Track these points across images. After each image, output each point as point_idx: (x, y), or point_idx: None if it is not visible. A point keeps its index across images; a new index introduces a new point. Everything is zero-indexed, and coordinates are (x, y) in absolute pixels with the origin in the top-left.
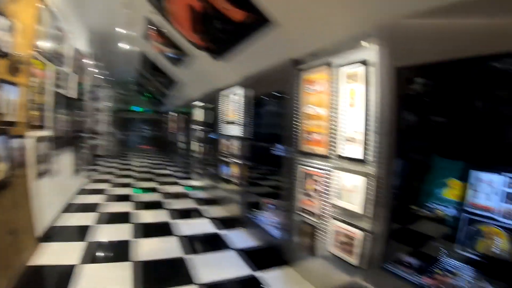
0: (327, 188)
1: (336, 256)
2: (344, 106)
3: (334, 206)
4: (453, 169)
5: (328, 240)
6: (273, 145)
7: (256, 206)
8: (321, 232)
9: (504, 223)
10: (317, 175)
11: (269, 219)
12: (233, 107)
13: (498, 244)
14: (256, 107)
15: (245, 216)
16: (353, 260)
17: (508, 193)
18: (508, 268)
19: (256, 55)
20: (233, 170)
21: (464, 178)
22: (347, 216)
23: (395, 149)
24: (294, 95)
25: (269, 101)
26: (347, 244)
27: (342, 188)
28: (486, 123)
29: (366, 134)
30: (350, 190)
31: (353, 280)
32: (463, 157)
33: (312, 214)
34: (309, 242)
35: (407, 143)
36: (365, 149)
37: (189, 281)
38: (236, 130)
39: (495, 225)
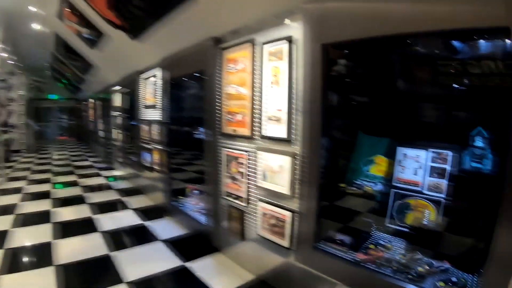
0: (253, 170)
1: (267, 239)
2: (267, 85)
3: (261, 188)
4: (379, 146)
5: (258, 223)
6: (196, 128)
7: (181, 193)
8: (249, 216)
9: (431, 195)
10: (241, 157)
11: (195, 205)
12: (153, 90)
13: (427, 215)
14: (176, 90)
15: (171, 204)
16: (284, 242)
17: (433, 167)
18: (437, 237)
19: (175, 33)
20: (155, 157)
21: (390, 154)
22: (275, 198)
23: (320, 127)
24: (215, 75)
25: (190, 83)
26: (277, 226)
27: (268, 170)
28: (411, 101)
29: (290, 113)
30: (276, 171)
31: (285, 262)
32: (389, 134)
33: (239, 197)
34: (238, 227)
35: (333, 121)
36: (290, 128)
37: (118, 280)
38: (156, 115)
39: (422, 198)
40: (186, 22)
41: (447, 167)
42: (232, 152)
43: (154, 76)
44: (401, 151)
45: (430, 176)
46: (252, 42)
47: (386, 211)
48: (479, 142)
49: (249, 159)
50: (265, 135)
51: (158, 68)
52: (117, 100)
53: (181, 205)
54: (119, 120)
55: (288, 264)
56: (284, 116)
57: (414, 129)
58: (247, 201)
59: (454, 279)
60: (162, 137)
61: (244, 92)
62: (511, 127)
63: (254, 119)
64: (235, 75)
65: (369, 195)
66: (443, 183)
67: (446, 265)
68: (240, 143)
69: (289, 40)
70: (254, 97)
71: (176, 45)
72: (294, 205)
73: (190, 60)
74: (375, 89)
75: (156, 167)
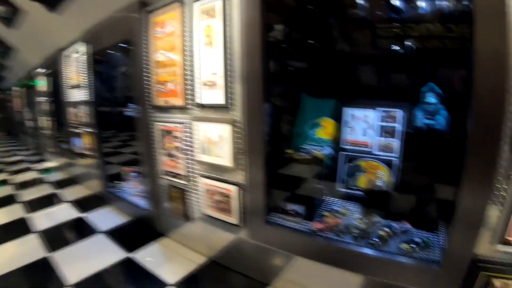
0: (190, 144)
1: (213, 217)
2: (200, 47)
3: (201, 162)
4: (324, 108)
5: (202, 202)
6: (126, 105)
7: (118, 177)
8: (192, 194)
9: (382, 156)
10: (176, 131)
11: (134, 189)
12: (77, 68)
13: (379, 176)
14: (102, 65)
15: (108, 191)
16: (232, 218)
17: (383, 127)
18: (392, 198)
19: (97, 1)
20: (85, 142)
21: (337, 116)
22: (217, 172)
23: (262, 90)
24: (142, 42)
25: (117, 56)
26: (222, 202)
27: (207, 141)
28: (355, 61)
29: (226, 76)
30: (216, 142)
31: (237, 239)
32: (334, 95)
33: (178, 175)
34: (181, 207)
35: (275, 85)
36: (227, 93)
37: (59, 284)
38: (82, 95)
39: (374, 159)
40: None
41: (397, 125)
42: (166, 126)
43: (77, 52)
44: (348, 111)
45: (380, 136)
46: (180, 1)
47: (337, 176)
48: (431, 98)
49: (185, 132)
50: (200, 103)
51: (81, 42)
52: (41, 84)
53: (119, 191)
54: (45, 106)
55: (240, 242)
56: (220, 80)
57: (360, 90)
58: (188, 178)
59: (417, 239)
60: (90, 119)
61: (174, 57)
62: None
63: (186, 87)
64: (164, 40)
65: (318, 160)
66: (394, 142)
67: (406, 225)
68: (174, 115)
69: None
70: (186, 62)
71: (99, 14)
72: (239, 177)
73: (115, 29)
74: (318, 51)
75: (88, 152)
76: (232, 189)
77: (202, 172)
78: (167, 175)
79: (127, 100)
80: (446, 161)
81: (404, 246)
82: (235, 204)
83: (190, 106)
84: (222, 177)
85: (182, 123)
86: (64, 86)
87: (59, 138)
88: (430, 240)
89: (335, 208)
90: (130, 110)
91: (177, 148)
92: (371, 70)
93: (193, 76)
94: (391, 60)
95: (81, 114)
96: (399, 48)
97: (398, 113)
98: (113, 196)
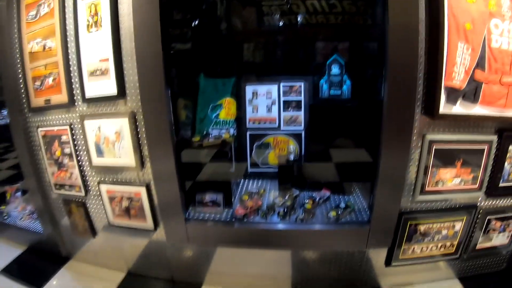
0: (82, 148)
1: (125, 226)
2: (83, 30)
3: (98, 167)
4: (225, 88)
5: (108, 211)
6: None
7: (2, 199)
8: (94, 205)
9: (289, 130)
10: (63, 134)
11: (22, 211)
12: None
13: (289, 150)
14: None
15: None
16: (146, 224)
17: (285, 101)
18: (304, 169)
19: None
20: None
21: (238, 94)
22: (119, 175)
23: (163, 75)
24: (9, 30)
25: None
26: (132, 208)
27: (102, 142)
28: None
29: (119, 62)
30: (113, 140)
31: (156, 245)
32: (233, 74)
33: (73, 187)
34: (84, 223)
35: (172, 67)
36: (121, 81)
37: None
38: None
39: (281, 134)
40: None
41: (301, 98)
42: (51, 130)
43: None
44: (250, 89)
45: (284, 111)
46: None
47: (246, 156)
48: (336, 70)
49: (73, 134)
50: (89, 96)
51: None
52: None
53: (5, 216)
54: None
55: (159, 246)
56: (111, 67)
57: (261, 66)
58: (85, 188)
59: (342, 204)
60: None
61: (52, 45)
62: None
63: (70, 79)
64: (38, 25)
65: (227, 143)
66: (299, 115)
67: (327, 193)
68: (58, 116)
69: None
70: (68, 50)
71: None
72: (147, 177)
73: None
74: (208, 30)
75: None
76: (140, 191)
77: (101, 178)
78: (60, 188)
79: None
80: (354, 127)
81: (333, 214)
82: (146, 206)
83: (77, 103)
84: (126, 180)
85: (70, 124)
86: None
87: None
88: (352, 203)
89: (251, 190)
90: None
91: (67, 154)
92: (269, 46)
93: (78, 66)
94: (286, 35)
95: None
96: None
97: (301, 86)
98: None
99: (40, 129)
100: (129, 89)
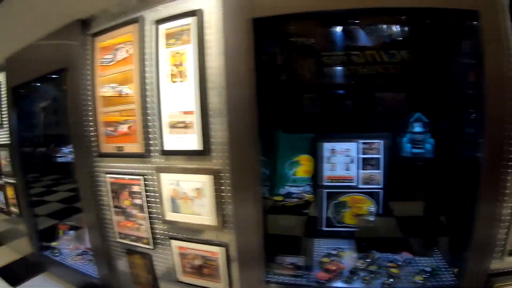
0: (155, 200)
1: (193, 285)
2: (166, 80)
3: (171, 222)
4: (301, 144)
5: (177, 268)
6: (58, 149)
7: (52, 235)
8: (161, 260)
9: (365, 188)
10: (135, 184)
11: (74, 251)
12: None
13: (366, 210)
14: (28, 99)
15: (41, 255)
16: (219, 283)
17: (364, 159)
18: (383, 229)
19: (22, 21)
20: (8, 193)
21: (314, 152)
22: (195, 232)
23: (255, 128)
24: (82, 72)
25: (47, 88)
26: (205, 267)
27: (179, 196)
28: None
29: (205, 116)
30: (192, 197)
31: None
32: (310, 130)
33: (140, 239)
34: (147, 276)
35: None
36: (206, 136)
37: None
38: (4, 136)
39: (358, 193)
40: (35, 3)
41: (380, 156)
42: (121, 178)
43: None
44: (328, 146)
45: (362, 169)
46: (138, 21)
47: (321, 215)
48: (418, 128)
49: (146, 186)
50: (169, 149)
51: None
52: None
53: (56, 253)
54: None
55: None
56: (196, 120)
57: (339, 123)
58: (154, 241)
59: (427, 268)
60: (13, 166)
61: (129, 92)
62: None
63: (147, 129)
64: (114, 69)
65: (309, 203)
66: (378, 173)
67: (408, 256)
68: (131, 164)
69: (197, 14)
70: (146, 98)
71: (25, 37)
72: (226, 236)
73: (47, 56)
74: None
75: (12, 206)
76: (217, 251)
77: (173, 234)
78: (125, 238)
79: (61, 141)
80: (438, 186)
81: (418, 278)
82: (222, 267)
83: (153, 153)
84: (203, 238)
85: (143, 175)
86: None
87: None
88: (437, 266)
89: (329, 251)
90: (63, 155)
91: (136, 205)
92: (348, 103)
93: (157, 116)
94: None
95: (3, 161)
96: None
97: (380, 144)
98: (49, 261)
99: (108, 175)
100: (214, 145)
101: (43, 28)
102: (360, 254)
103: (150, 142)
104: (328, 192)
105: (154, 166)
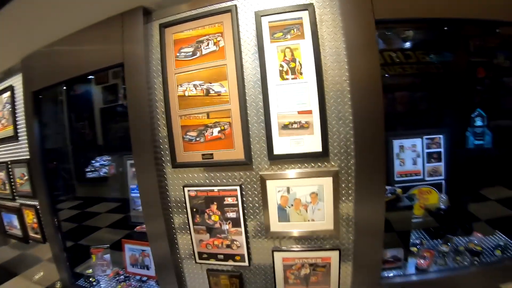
0: (254, 211)
1: None
2: (274, 76)
3: (278, 234)
4: None
5: (279, 281)
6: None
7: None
8: (256, 276)
9: (431, 180)
10: (229, 196)
11: (113, 277)
12: (7, 114)
13: (434, 199)
14: (55, 105)
15: (73, 283)
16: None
17: (429, 153)
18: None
19: (54, 8)
20: (27, 218)
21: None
22: (307, 240)
23: (381, 129)
24: (147, 67)
25: (87, 90)
26: (313, 275)
27: (289, 204)
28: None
29: (324, 115)
30: (306, 203)
31: None
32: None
33: (231, 257)
34: None
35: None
36: (325, 137)
37: None
38: (17, 152)
39: (425, 185)
40: None
41: (442, 150)
42: (206, 191)
43: (8, 90)
44: (397, 143)
45: (428, 162)
46: (231, 11)
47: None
48: (479, 122)
49: (243, 197)
50: (278, 153)
51: (14, 76)
52: None
53: (93, 282)
54: None
55: None
56: (314, 120)
57: (403, 119)
58: (249, 257)
59: (501, 243)
60: (34, 185)
61: (221, 90)
62: None
63: (248, 132)
64: (197, 65)
65: (398, 198)
66: (440, 165)
67: (481, 236)
68: (225, 173)
69: (309, 8)
70: (245, 96)
71: (50, 33)
72: (342, 239)
73: (89, 52)
74: None
75: (32, 232)
76: (331, 256)
77: (278, 246)
78: (208, 258)
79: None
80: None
81: (497, 252)
82: (334, 272)
83: (257, 159)
84: (316, 245)
85: (241, 184)
86: None
87: None
88: (506, 242)
89: (412, 241)
90: (98, 170)
91: (228, 219)
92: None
93: (264, 117)
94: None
95: (16, 179)
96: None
97: (441, 138)
98: None
99: (188, 188)
100: (332, 145)
101: (84, 18)
102: (439, 240)
103: (252, 146)
104: (398, 186)
105: (256, 173)
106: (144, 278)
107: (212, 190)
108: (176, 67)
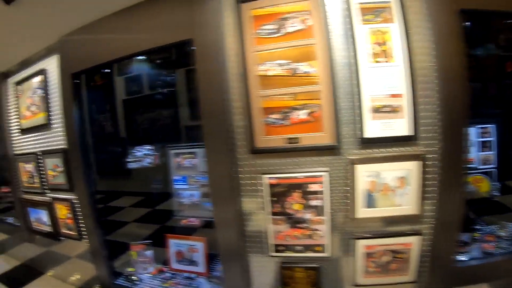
0: (337, 198)
1: (373, 284)
2: (366, 58)
3: (361, 220)
4: None
5: (359, 269)
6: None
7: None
8: (331, 267)
9: (484, 169)
10: (313, 183)
11: (157, 275)
12: (39, 100)
13: (485, 187)
14: (97, 90)
15: (112, 283)
16: (405, 276)
17: (483, 142)
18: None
19: None
20: (60, 213)
21: None
22: (390, 225)
23: (465, 115)
24: (220, 44)
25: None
26: (393, 262)
27: (377, 189)
28: None
29: (414, 100)
30: (394, 187)
31: None
32: None
33: (310, 247)
34: None
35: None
36: (415, 121)
37: None
38: (51, 141)
39: (478, 173)
40: None
41: (493, 139)
42: (288, 178)
43: (41, 73)
44: None
45: (481, 151)
46: None
47: None
48: None
49: (330, 183)
50: (369, 136)
51: (50, 57)
52: None
53: (136, 281)
54: None
55: None
56: (405, 104)
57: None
58: (330, 247)
59: None
60: (74, 177)
61: (310, 70)
62: None
63: (338, 115)
64: (282, 43)
65: None
66: (492, 154)
67: None
68: (310, 159)
69: None
70: (333, 78)
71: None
72: (422, 225)
73: (149, 27)
74: None
75: (64, 228)
76: (412, 241)
77: (359, 234)
78: (284, 250)
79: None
80: None
81: None
82: (413, 257)
83: (345, 144)
84: (398, 230)
85: (327, 170)
86: (6, 131)
87: None
88: None
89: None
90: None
91: (312, 207)
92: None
93: (355, 100)
94: None
95: (49, 171)
96: None
97: (493, 128)
98: None
99: (268, 175)
100: (421, 129)
101: None
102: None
103: (341, 130)
104: None
105: (345, 157)
106: (193, 275)
107: (296, 177)
108: (256, 45)
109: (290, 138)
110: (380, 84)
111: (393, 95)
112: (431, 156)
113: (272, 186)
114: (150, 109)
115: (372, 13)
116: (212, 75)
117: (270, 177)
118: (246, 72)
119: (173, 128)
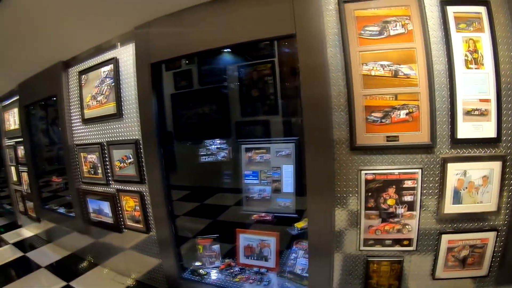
0: (427, 194)
1: (447, 278)
2: (458, 64)
3: (447, 215)
4: None
5: (439, 264)
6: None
7: (189, 252)
8: (414, 262)
9: None
10: (408, 179)
11: (225, 269)
12: (109, 88)
13: None
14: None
15: (181, 278)
16: (479, 270)
17: None
18: None
19: None
20: (126, 205)
21: None
22: (470, 221)
23: None
24: (327, 42)
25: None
26: (470, 256)
27: (463, 186)
28: None
29: (500, 104)
30: (477, 186)
31: None
32: None
33: (399, 242)
34: (390, 283)
35: None
36: (500, 124)
37: None
38: (121, 130)
39: None
40: None
41: None
42: (385, 174)
43: (112, 61)
44: None
45: None
46: None
47: None
48: None
49: (424, 179)
50: (460, 137)
51: (124, 47)
52: (11, 120)
53: (204, 275)
54: (21, 151)
55: None
56: (492, 109)
57: None
58: (417, 241)
59: None
60: (147, 169)
61: (410, 73)
62: None
63: (434, 116)
64: (385, 45)
65: None
66: None
67: None
68: (406, 156)
69: (487, 4)
70: (431, 82)
71: None
72: (498, 221)
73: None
74: None
75: (130, 220)
76: (489, 236)
77: (444, 228)
78: (373, 244)
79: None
80: None
81: None
82: (488, 252)
83: (439, 143)
84: (477, 226)
85: (422, 168)
86: (67, 120)
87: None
88: None
89: None
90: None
91: (404, 203)
92: None
93: (449, 103)
94: None
95: (114, 162)
96: None
97: None
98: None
99: (365, 171)
100: (504, 132)
101: None
102: None
103: (435, 130)
104: None
105: (437, 156)
106: (263, 270)
107: (393, 173)
108: (360, 45)
109: (389, 136)
110: (471, 89)
111: (482, 100)
112: (510, 157)
113: (367, 181)
114: (220, 102)
115: (465, 22)
116: (315, 71)
117: (367, 173)
118: (350, 71)
119: (243, 123)
